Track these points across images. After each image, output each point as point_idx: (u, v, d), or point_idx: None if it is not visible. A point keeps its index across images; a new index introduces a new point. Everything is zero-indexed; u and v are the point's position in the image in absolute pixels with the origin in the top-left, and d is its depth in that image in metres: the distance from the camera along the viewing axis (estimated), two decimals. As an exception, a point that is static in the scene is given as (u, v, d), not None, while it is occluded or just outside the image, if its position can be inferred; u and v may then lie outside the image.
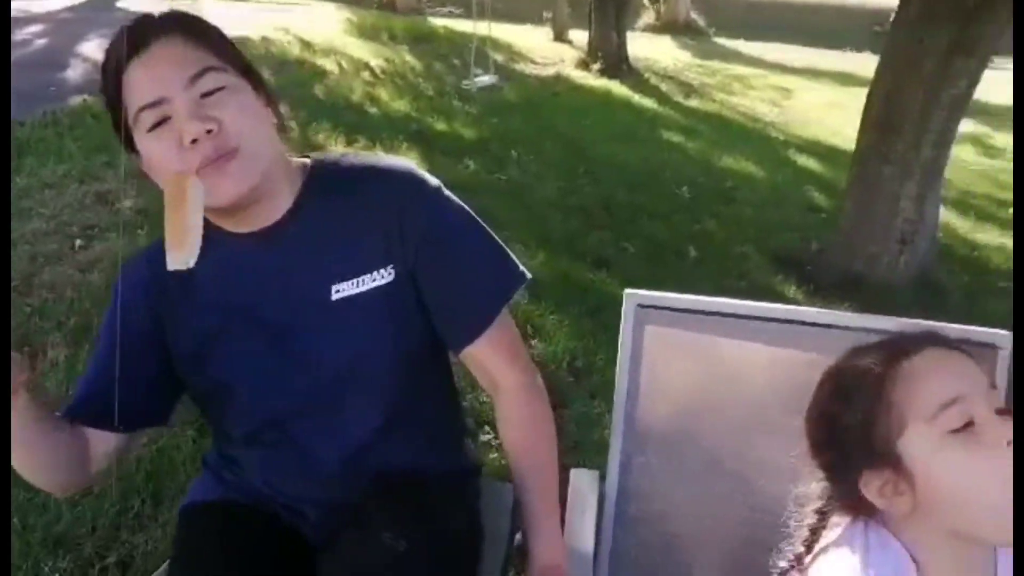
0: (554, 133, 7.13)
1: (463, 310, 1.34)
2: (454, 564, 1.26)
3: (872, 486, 0.98)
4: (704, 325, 1.49)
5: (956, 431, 0.94)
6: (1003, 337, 1.40)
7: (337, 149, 5.42)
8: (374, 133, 6.20)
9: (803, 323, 1.47)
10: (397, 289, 1.28)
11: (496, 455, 2.88)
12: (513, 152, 6.18)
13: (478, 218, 1.38)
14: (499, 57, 10.07)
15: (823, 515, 1.05)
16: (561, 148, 6.66)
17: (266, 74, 7.46)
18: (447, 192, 1.38)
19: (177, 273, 1.12)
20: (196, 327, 1.30)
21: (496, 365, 1.36)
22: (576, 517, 1.43)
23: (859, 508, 1.02)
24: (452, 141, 6.48)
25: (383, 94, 7.91)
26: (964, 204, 6.18)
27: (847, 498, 1.02)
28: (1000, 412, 0.96)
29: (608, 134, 7.31)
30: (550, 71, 10.17)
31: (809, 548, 1.04)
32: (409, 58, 9.84)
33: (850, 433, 1.00)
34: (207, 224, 1.13)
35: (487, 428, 2.96)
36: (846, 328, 1.43)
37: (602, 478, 1.51)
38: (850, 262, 4.69)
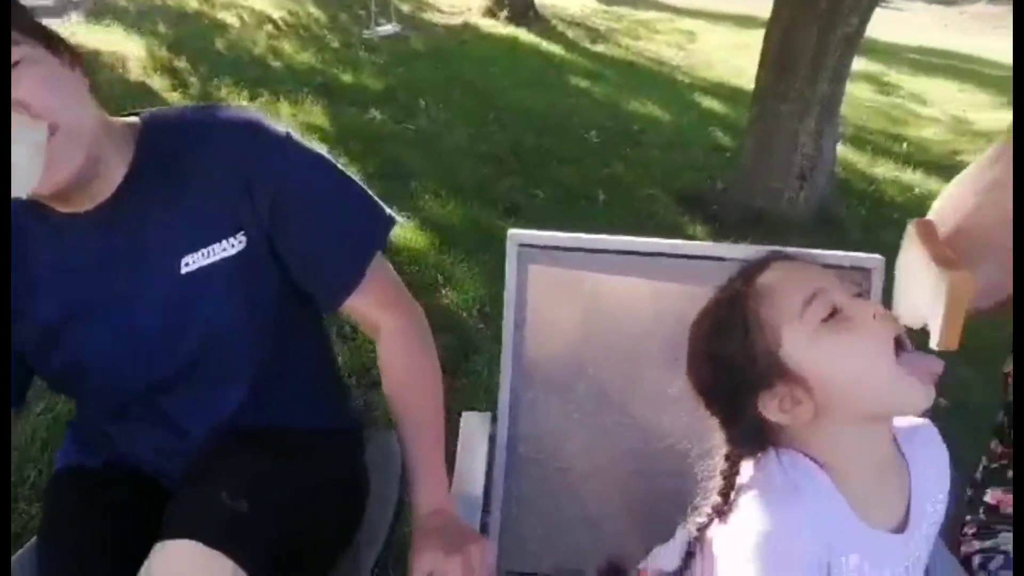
0: (462, 81, 7.06)
1: (331, 268, 1.29)
2: (314, 520, 1.25)
3: (771, 406, 0.99)
4: (587, 262, 1.50)
5: (825, 320, 0.97)
6: (875, 260, 1.45)
7: (239, 101, 5.28)
8: (278, 87, 6.05)
9: (682, 256, 1.50)
10: (251, 256, 1.22)
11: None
12: (421, 101, 6.11)
13: (336, 163, 1.30)
14: (406, 7, 9.90)
15: (732, 460, 1.04)
16: (469, 96, 6.61)
17: (163, 28, 7.24)
18: (298, 139, 1.26)
19: (17, 265, 1.05)
20: (38, 320, 1.22)
21: (373, 313, 1.33)
22: (466, 460, 1.44)
23: (763, 438, 1.03)
24: (359, 92, 6.37)
25: (287, 47, 7.70)
26: (861, 140, 6.34)
27: (750, 433, 1.02)
28: (858, 295, 1.00)
29: (516, 81, 7.27)
30: (457, 20, 10.03)
31: (726, 496, 1.03)
32: (313, 9, 9.58)
33: (734, 363, 1.01)
34: (41, 208, 1.06)
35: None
36: (722, 259, 1.45)
37: (494, 420, 1.52)
38: (752, 199, 4.78)
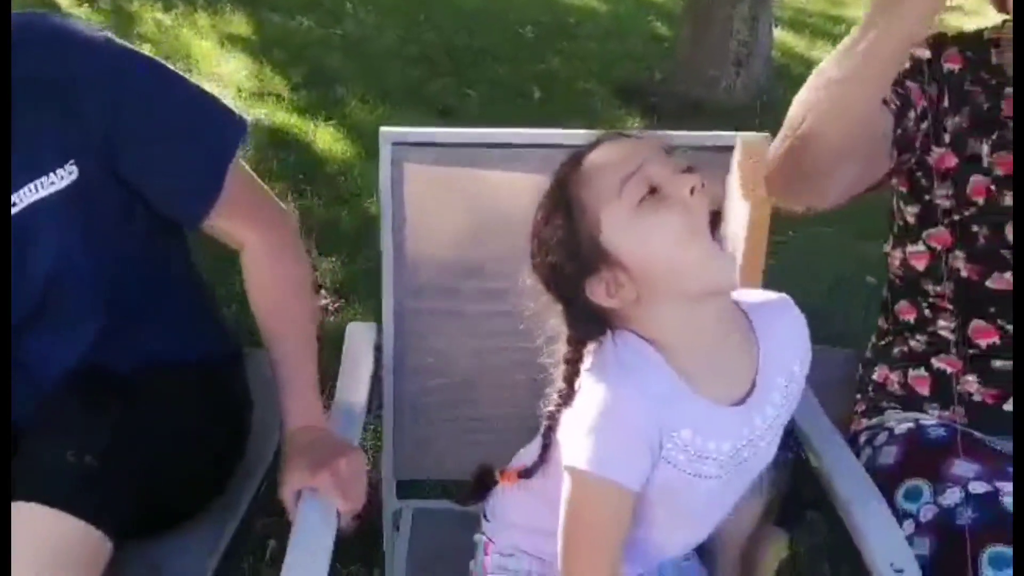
0: (392, -19, 6.79)
1: (185, 184, 1.21)
2: (184, 462, 1.21)
3: (598, 292, 0.98)
4: (466, 158, 1.43)
5: (644, 200, 0.94)
6: (733, 137, 1.39)
7: (152, 15, 5.04)
8: (195, -4, 5.79)
9: (566, 146, 1.42)
10: (85, 186, 1.12)
11: (333, 318, 2.84)
12: (348, 4, 5.87)
13: (170, 67, 1.21)
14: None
15: (574, 345, 1.03)
16: (400, -3, 6.37)
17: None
18: (121, 43, 1.16)
19: None
20: None
21: (235, 229, 1.26)
22: (348, 373, 1.39)
23: (599, 322, 1.02)
24: (282, -1, 6.11)
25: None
26: (799, 23, 6.21)
27: (584, 318, 1.01)
28: (685, 171, 0.96)
29: (449, -22, 7.01)
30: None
31: (570, 382, 1.03)
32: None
33: (561, 249, 0.98)
34: None
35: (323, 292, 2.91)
36: None
37: (381, 330, 1.47)
38: (690, 88, 4.69)
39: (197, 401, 1.28)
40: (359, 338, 1.47)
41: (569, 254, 0.98)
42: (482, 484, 1.19)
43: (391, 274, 1.43)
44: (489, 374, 1.45)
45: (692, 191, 0.94)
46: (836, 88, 1.06)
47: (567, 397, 1.02)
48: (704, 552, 1.24)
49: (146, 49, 4.77)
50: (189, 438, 1.23)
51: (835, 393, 1.47)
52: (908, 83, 1.23)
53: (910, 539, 1.16)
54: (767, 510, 1.26)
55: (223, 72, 4.47)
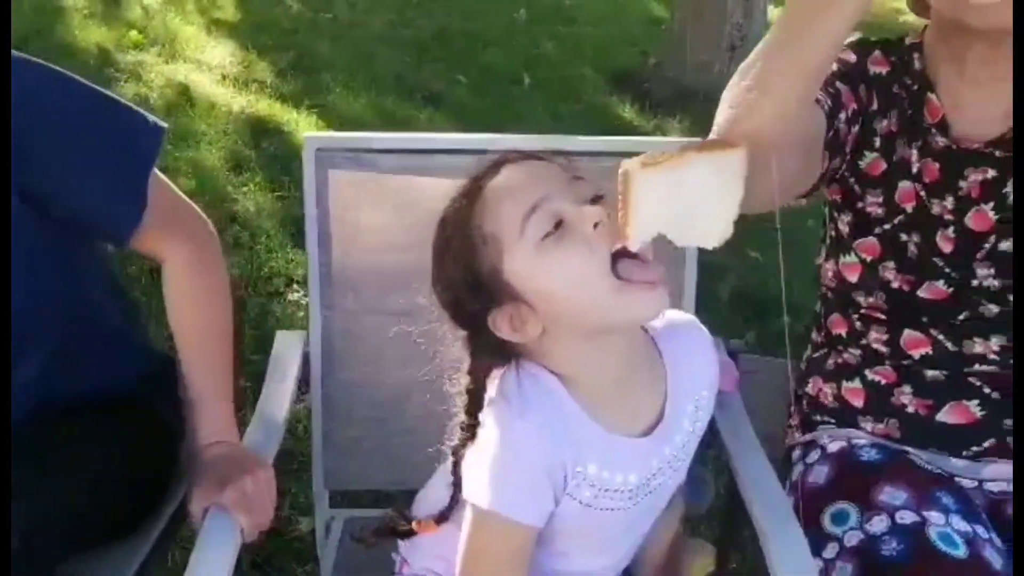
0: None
1: (106, 206, 1.16)
2: (109, 494, 1.19)
3: (502, 326, 0.94)
4: (391, 164, 1.40)
5: (547, 236, 0.90)
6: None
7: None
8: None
9: (497, 151, 1.39)
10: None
11: (303, 313, 2.82)
12: (341, -13, 5.82)
13: (74, 75, 1.16)
14: None
15: (477, 375, 1.00)
16: (393, -21, 6.31)
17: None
18: (18, 55, 1.10)
19: None
20: None
21: (155, 242, 1.22)
22: (273, 381, 1.37)
23: (504, 352, 0.98)
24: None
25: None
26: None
27: (488, 348, 0.98)
28: (593, 200, 0.91)
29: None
30: None
31: (472, 413, 0.99)
32: None
33: (463, 282, 0.94)
34: None
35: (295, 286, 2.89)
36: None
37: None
38: (683, 73, 4.62)
39: (117, 432, 1.25)
40: (286, 347, 1.44)
41: (471, 286, 0.94)
42: (395, 532, 1.14)
43: (317, 282, 1.41)
44: (418, 383, 1.41)
45: (596, 225, 0.89)
46: (759, 90, 1.01)
47: (470, 430, 0.99)
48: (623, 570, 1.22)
49: (131, 35, 4.76)
50: (108, 470, 1.21)
51: (774, 404, 1.44)
52: (839, 84, 1.20)
53: (832, 563, 1.14)
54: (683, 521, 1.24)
55: (207, 58, 4.44)
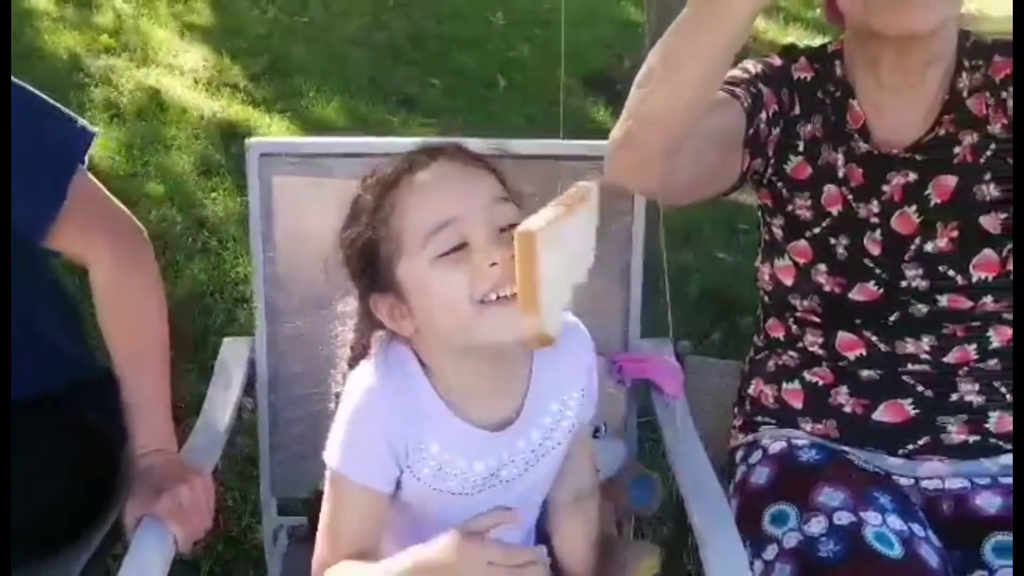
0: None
1: (24, 198, 1.17)
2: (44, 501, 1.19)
3: (381, 309, 0.98)
4: (337, 168, 1.39)
5: (446, 254, 0.92)
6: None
7: (112, 3, 4.96)
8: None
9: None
10: None
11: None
12: (316, -10, 5.81)
13: (15, 80, 1.19)
14: None
15: (361, 333, 1.04)
16: (369, -18, 6.29)
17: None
18: None
19: None
20: None
21: (83, 245, 1.23)
22: (218, 389, 1.36)
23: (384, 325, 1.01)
24: (252, -14, 6.04)
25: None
26: (771, 8, 6.10)
27: (371, 317, 1.01)
28: (503, 231, 0.92)
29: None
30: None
31: (352, 368, 1.04)
32: None
33: (361, 256, 0.98)
34: None
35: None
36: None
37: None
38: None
39: (53, 436, 1.24)
40: (232, 353, 1.43)
41: (366, 263, 0.97)
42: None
43: (262, 288, 1.40)
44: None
45: (492, 265, 0.91)
46: (665, 69, 1.02)
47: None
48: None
49: (102, 39, 4.72)
50: (42, 478, 1.20)
51: (723, 405, 1.44)
52: (761, 86, 1.21)
53: (772, 564, 1.14)
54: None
55: (180, 62, 4.42)
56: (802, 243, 1.24)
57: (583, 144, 1.44)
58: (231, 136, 3.80)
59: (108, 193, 1.27)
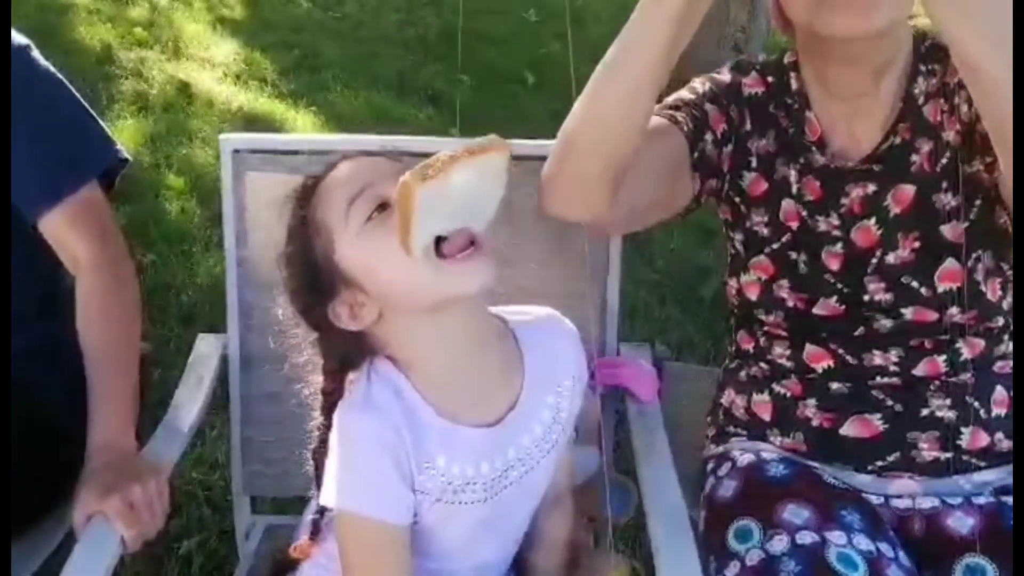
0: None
1: (36, 177, 1.26)
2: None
3: (342, 315, 0.94)
4: (307, 165, 1.37)
5: (371, 217, 0.91)
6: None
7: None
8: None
9: (422, 154, 1.37)
10: None
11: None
12: (351, -15, 5.82)
13: (71, 89, 1.32)
14: None
15: (334, 375, 1.00)
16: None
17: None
18: (36, 55, 1.28)
19: None
20: None
21: (74, 240, 1.28)
22: (187, 387, 1.36)
23: (356, 351, 0.98)
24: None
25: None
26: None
27: (340, 347, 0.98)
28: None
29: (459, -42, 6.92)
30: None
31: (328, 414, 0.99)
32: None
33: (302, 274, 0.96)
34: None
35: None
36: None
37: (230, 342, 1.43)
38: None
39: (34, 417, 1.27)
40: (205, 351, 1.42)
41: (309, 278, 0.95)
42: (283, 570, 1.12)
43: (235, 283, 1.40)
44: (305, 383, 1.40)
45: None
46: (586, 97, 1.02)
47: (326, 431, 0.99)
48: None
49: (135, 32, 4.77)
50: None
51: (697, 412, 1.41)
52: (706, 106, 1.19)
53: (734, 580, 1.11)
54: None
55: (211, 55, 4.46)
56: (763, 258, 1.22)
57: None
58: (256, 130, 3.81)
59: (114, 221, 1.34)
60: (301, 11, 5.36)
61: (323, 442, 0.99)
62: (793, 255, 1.19)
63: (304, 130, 3.88)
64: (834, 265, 1.17)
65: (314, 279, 0.94)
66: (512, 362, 1.01)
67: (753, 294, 1.22)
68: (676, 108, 1.18)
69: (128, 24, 4.63)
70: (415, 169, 0.84)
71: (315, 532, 1.05)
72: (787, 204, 1.19)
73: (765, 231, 1.21)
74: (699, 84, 1.23)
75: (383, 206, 0.91)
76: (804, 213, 1.18)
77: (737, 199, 1.23)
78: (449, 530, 1.00)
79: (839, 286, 1.17)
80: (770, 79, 1.22)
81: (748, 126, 1.20)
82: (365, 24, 5.26)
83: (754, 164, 1.21)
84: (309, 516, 1.07)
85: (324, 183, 0.96)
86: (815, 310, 1.18)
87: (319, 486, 1.00)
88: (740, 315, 1.29)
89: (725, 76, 1.23)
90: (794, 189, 1.19)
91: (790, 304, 1.19)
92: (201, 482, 2.10)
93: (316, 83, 4.36)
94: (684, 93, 1.21)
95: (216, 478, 2.12)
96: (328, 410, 0.99)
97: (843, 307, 1.17)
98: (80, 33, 4.48)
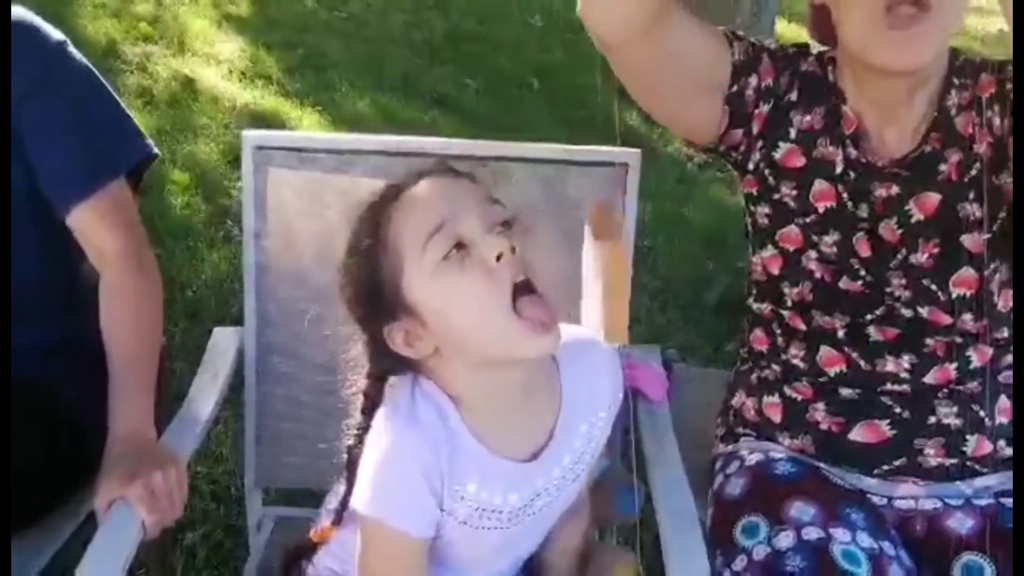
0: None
1: (73, 171, 1.29)
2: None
3: (397, 339, 0.94)
4: (331, 164, 1.40)
5: (448, 256, 0.90)
6: (631, 155, 1.40)
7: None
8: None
9: (439, 155, 1.39)
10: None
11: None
12: (359, -14, 5.84)
13: (106, 85, 1.35)
14: None
15: (377, 379, 1.00)
16: (411, -22, 6.31)
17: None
18: (72, 50, 1.31)
19: None
20: None
21: (100, 232, 1.29)
22: (203, 379, 1.37)
23: (402, 363, 0.98)
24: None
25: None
26: (798, 12, 6.08)
27: (390, 356, 0.97)
28: (503, 225, 0.91)
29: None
30: None
31: (367, 415, 1.00)
32: None
33: (364, 288, 0.95)
34: None
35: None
36: (484, 158, 1.38)
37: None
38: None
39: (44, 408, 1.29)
40: (221, 343, 1.44)
41: (371, 295, 0.94)
42: (301, 555, 1.13)
43: (253, 278, 1.42)
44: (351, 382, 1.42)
45: (499, 257, 0.89)
46: None
47: (363, 431, 0.99)
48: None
49: (141, 27, 4.77)
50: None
51: (705, 414, 1.43)
52: (764, 56, 1.19)
53: (740, 575, 1.14)
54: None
55: (216, 52, 4.47)
56: (793, 229, 1.22)
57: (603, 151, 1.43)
58: (261, 127, 3.83)
59: (137, 216, 1.36)
60: (307, 9, 5.38)
61: (359, 441, 1.00)
62: (823, 233, 1.20)
63: (309, 129, 3.90)
64: (864, 251, 1.19)
65: (375, 298, 0.94)
66: (552, 394, 1.02)
67: (776, 268, 1.24)
68: (737, 38, 1.18)
69: (133, 19, 4.64)
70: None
71: (337, 521, 1.06)
72: (821, 184, 1.20)
73: (793, 204, 1.22)
74: (763, 41, 1.23)
75: (460, 245, 0.90)
76: (844, 196, 1.20)
77: (767, 170, 1.23)
78: (468, 547, 1.02)
79: (863, 272, 1.19)
80: (824, 68, 1.22)
81: (795, 96, 1.20)
82: (370, 24, 5.28)
83: (792, 136, 1.21)
84: (332, 505, 1.09)
85: (401, 201, 0.94)
86: (841, 284, 1.20)
87: (350, 481, 1.01)
88: (759, 303, 1.30)
89: (789, 50, 1.23)
90: (838, 170, 1.19)
91: (818, 275, 1.21)
92: (206, 475, 2.11)
93: (321, 82, 4.38)
94: (746, 38, 1.21)
95: (220, 472, 2.14)
96: (368, 411, 0.99)
97: (867, 291, 1.19)
98: (85, 27, 4.49)
